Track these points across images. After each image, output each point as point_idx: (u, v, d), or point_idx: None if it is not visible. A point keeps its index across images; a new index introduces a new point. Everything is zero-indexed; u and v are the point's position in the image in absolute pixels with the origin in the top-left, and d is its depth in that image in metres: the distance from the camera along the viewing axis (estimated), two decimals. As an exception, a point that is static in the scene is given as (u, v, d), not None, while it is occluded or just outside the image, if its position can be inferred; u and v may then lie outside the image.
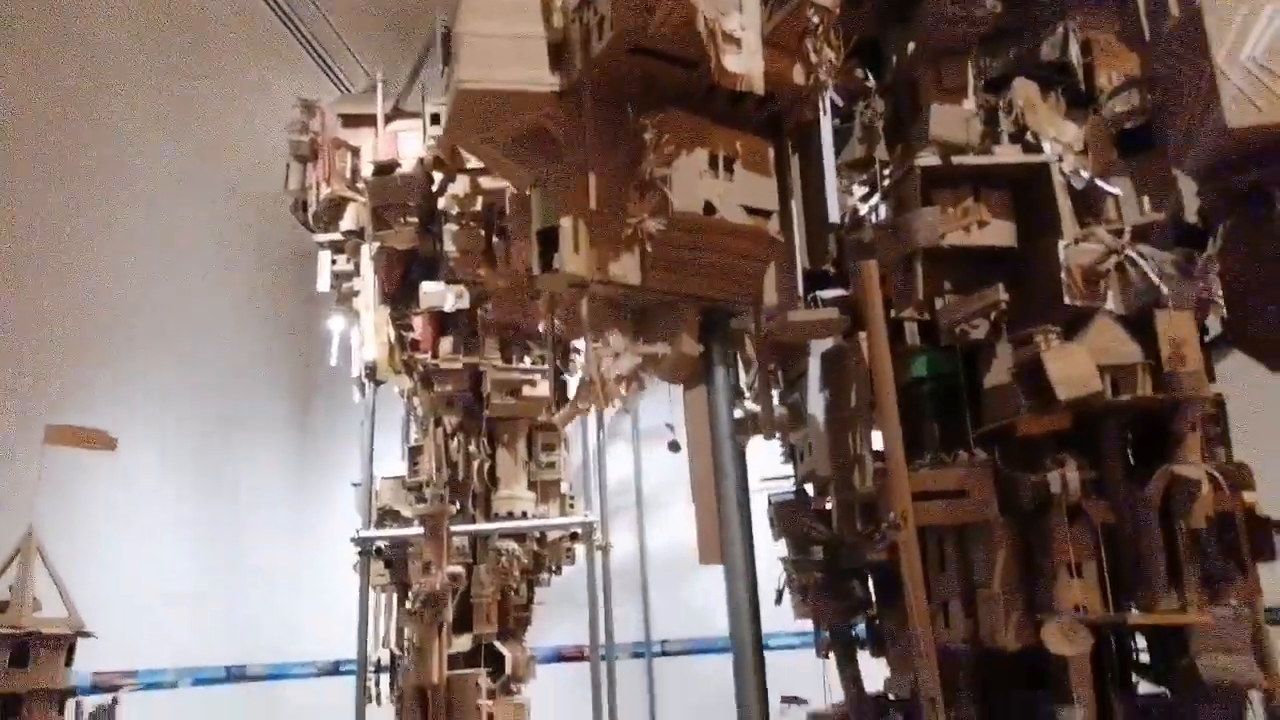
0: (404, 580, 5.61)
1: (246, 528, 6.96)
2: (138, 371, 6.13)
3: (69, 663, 2.01)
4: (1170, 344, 2.29)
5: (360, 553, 5.44)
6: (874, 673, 3.13)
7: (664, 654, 7.37)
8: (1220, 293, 2.39)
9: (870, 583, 3.05)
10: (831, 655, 3.02)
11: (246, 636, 6.70)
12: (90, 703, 2.12)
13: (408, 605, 5.44)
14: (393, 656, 5.55)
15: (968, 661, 2.58)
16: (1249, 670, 2.30)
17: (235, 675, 6.54)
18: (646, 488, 7.66)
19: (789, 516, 3.03)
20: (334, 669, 7.24)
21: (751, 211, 2.56)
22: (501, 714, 4.88)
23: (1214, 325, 2.70)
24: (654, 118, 2.41)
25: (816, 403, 2.87)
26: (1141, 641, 2.66)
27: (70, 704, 1.93)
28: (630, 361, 2.49)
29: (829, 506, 3.13)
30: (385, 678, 5.59)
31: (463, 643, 5.16)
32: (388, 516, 5.68)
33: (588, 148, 2.44)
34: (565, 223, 2.37)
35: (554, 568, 5.79)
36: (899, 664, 2.92)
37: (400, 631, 5.62)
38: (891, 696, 2.99)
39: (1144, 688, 2.68)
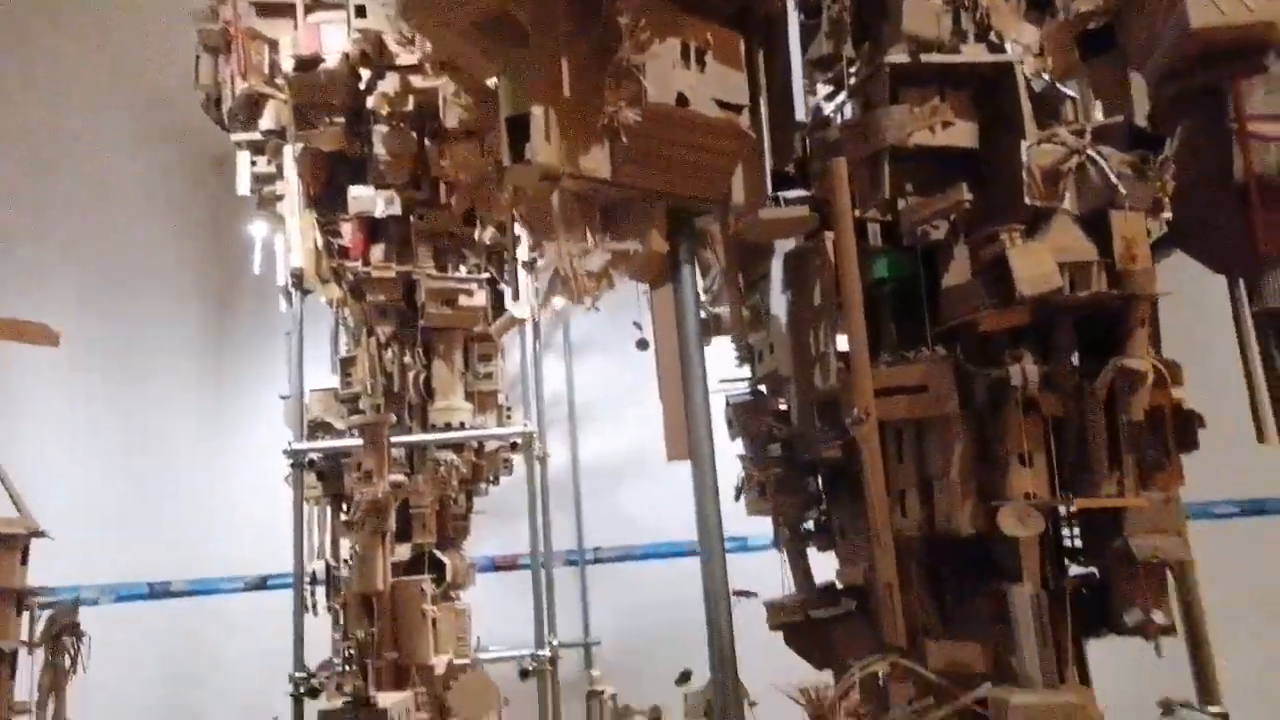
0: (338, 493, 5.53)
1: (164, 442, 6.69)
2: (42, 279, 5.73)
3: (24, 563, 1.91)
4: (1123, 243, 2.38)
5: (293, 465, 5.32)
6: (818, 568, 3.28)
7: (596, 561, 7.52)
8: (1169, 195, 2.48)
9: (821, 480, 3.16)
10: (785, 549, 3.13)
11: (168, 553, 6.52)
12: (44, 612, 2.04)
13: (345, 516, 5.40)
14: (328, 568, 5.50)
15: (919, 549, 2.71)
16: (1178, 548, 2.49)
17: (159, 592, 6.38)
18: (577, 402, 7.67)
19: (747, 416, 3.08)
20: (261, 584, 7.15)
21: (723, 106, 2.52)
22: (444, 619, 4.92)
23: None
24: (629, 2, 2.32)
25: (779, 304, 2.90)
26: (1069, 529, 2.85)
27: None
28: (601, 258, 2.45)
29: (783, 407, 3.21)
30: (321, 589, 5.55)
31: (402, 551, 5.14)
32: (319, 429, 5.56)
33: (560, 33, 2.34)
34: (537, 110, 2.28)
35: (492, 478, 5.80)
36: (849, 555, 3.05)
37: (335, 543, 5.57)
38: (840, 586, 3.13)
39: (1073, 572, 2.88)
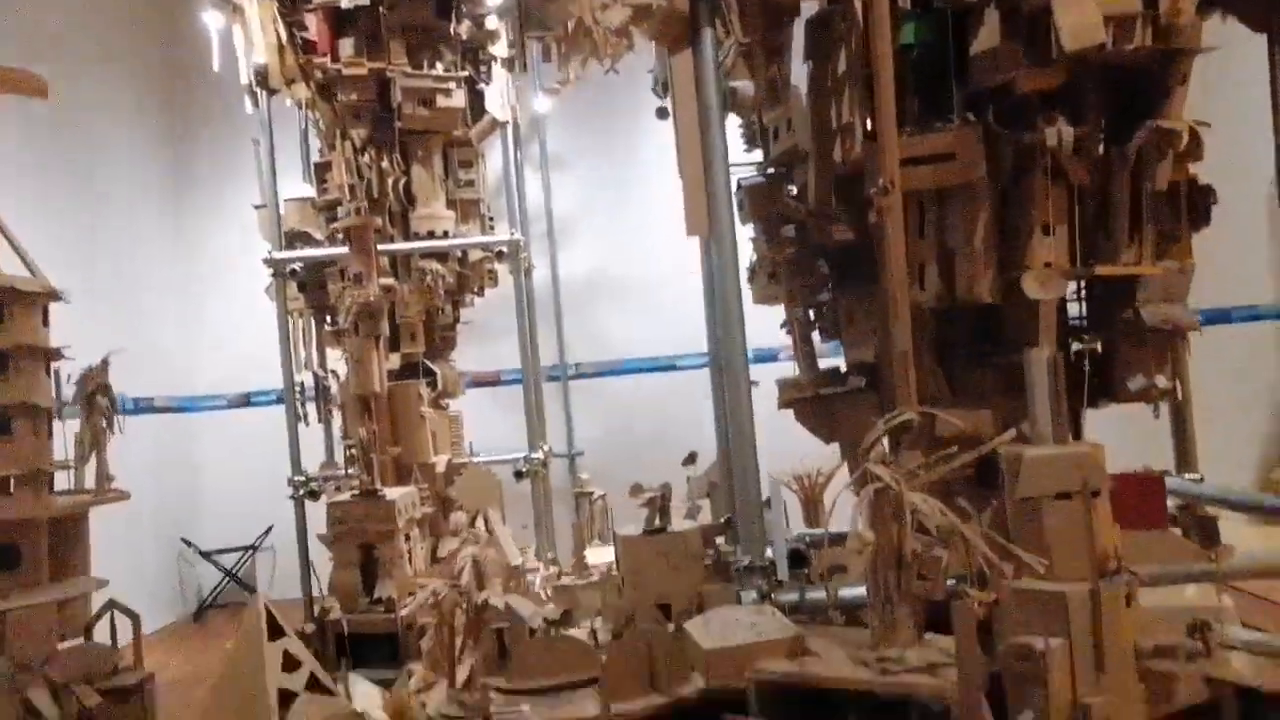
0: (321, 304, 5.44)
1: (126, 256, 6.44)
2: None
3: (45, 324, 1.85)
4: (1169, -4, 2.29)
5: (274, 274, 5.18)
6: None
7: (578, 376, 7.62)
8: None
9: (831, 264, 3.15)
10: (793, 332, 3.16)
11: (147, 370, 6.44)
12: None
13: (330, 326, 5.34)
14: (316, 379, 5.49)
15: (931, 323, 2.75)
16: (1185, 316, 2.55)
17: (142, 407, 6.36)
18: (555, 217, 7.52)
19: (760, 198, 3.02)
20: (245, 401, 7.16)
21: None
22: (439, 424, 4.99)
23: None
24: None
25: (799, 75, 2.78)
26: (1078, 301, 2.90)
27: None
28: (621, 14, 2.30)
29: (794, 191, 3.15)
30: (311, 404, 5.55)
31: (392, 361, 5.13)
32: (297, 239, 5.39)
33: None
34: None
35: (477, 289, 5.73)
36: (855, 339, 3.09)
37: (321, 354, 5.54)
38: (843, 369, 3.20)
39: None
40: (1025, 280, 2.40)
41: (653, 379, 7.53)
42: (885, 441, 2.76)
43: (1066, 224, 2.50)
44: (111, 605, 1.87)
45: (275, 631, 2.36)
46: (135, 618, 1.89)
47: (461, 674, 2.59)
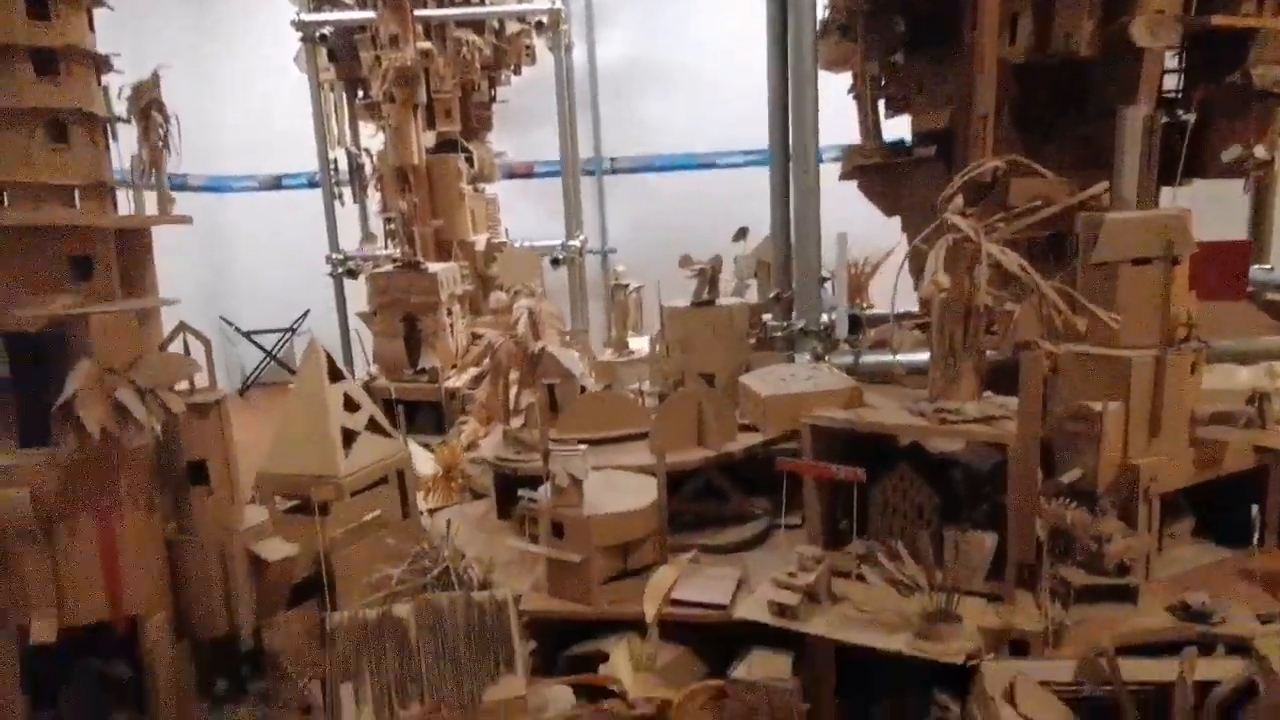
0: (353, 75, 5.23)
1: (140, 27, 6.15)
2: None
3: (91, 29, 1.74)
4: None
5: (303, 39, 4.94)
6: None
7: (613, 171, 7.42)
8: None
9: (908, 26, 2.93)
10: (861, 95, 2.98)
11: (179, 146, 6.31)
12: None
13: (365, 98, 5.15)
14: (349, 155, 5.36)
15: (1012, 85, 2.57)
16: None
17: (177, 184, 6.27)
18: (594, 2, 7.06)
19: (839, -60, 2.76)
20: (276, 184, 7.07)
21: None
22: (476, 203, 4.90)
23: None
24: None
25: None
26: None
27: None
28: None
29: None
30: (345, 188, 5.45)
31: (427, 139, 4.98)
32: (326, 2, 5.10)
33: None
34: None
35: (513, 66, 5.47)
36: (926, 107, 2.92)
37: (354, 129, 5.38)
38: (911, 142, 3.05)
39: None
40: (1135, 26, 2.21)
41: (691, 176, 7.31)
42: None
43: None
44: (183, 327, 1.88)
45: (334, 376, 2.40)
46: (207, 342, 1.90)
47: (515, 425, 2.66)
